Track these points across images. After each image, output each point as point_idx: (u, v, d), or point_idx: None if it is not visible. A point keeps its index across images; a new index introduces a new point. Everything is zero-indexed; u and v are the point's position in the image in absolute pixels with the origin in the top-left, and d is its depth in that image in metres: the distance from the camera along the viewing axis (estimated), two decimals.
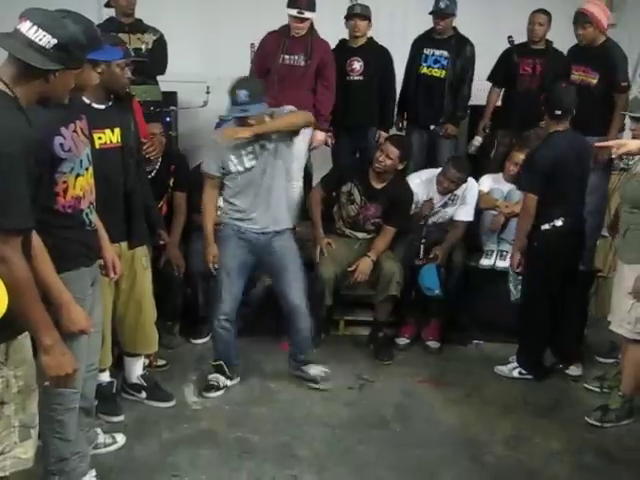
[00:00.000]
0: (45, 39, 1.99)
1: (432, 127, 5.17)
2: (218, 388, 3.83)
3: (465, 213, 4.65)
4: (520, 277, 4.16)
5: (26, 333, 2.15)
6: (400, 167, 4.41)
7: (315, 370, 3.97)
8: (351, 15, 4.98)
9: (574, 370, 4.25)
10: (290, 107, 3.77)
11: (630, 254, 3.53)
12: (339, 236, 4.53)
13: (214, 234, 3.81)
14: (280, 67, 4.68)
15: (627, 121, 3.97)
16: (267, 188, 3.67)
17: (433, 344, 4.55)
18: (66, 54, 2.03)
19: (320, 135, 4.87)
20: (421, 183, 4.64)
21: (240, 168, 3.66)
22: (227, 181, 3.73)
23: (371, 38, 5.10)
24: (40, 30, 1.99)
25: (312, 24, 4.69)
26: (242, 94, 3.46)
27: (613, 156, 3.04)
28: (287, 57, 4.66)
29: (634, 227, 3.51)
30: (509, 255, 4.33)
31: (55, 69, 2.02)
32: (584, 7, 4.62)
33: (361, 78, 5.06)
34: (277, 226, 3.76)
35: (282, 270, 3.80)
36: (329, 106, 4.84)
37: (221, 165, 3.69)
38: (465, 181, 4.60)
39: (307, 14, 4.59)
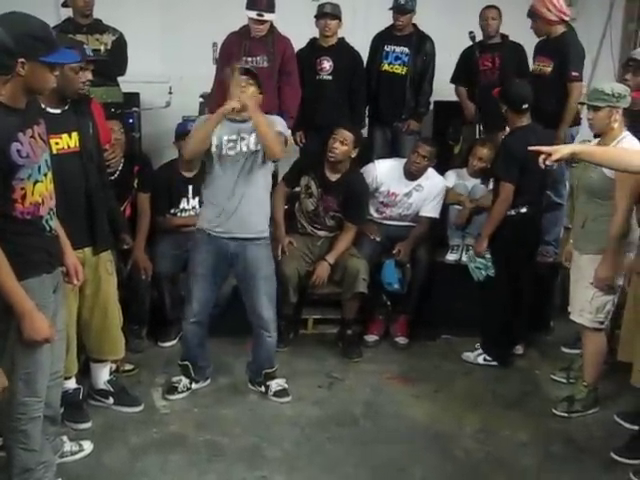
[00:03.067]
0: None
1: (395, 124, 5.19)
2: (181, 391, 3.80)
3: (431, 209, 4.66)
4: (481, 259, 4.23)
5: None
6: (354, 154, 4.38)
7: (276, 385, 3.85)
8: (321, 14, 4.97)
9: (518, 350, 4.39)
10: (280, 122, 3.72)
11: (589, 245, 3.58)
12: (301, 235, 4.52)
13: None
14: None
15: (584, 112, 4.02)
16: (240, 194, 3.57)
17: (402, 340, 4.57)
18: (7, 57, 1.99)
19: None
20: (389, 168, 4.66)
21: (214, 149, 3.55)
22: (207, 171, 3.66)
23: (342, 38, 5.09)
24: None
25: (272, 23, 4.67)
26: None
27: (547, 163, 3.01)
28: (249, 59, 4.63)
29: (593, 218, 3.56)
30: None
31: None
32: (532, 3, 4.80)
33: (330, 77, 5.05)
34: (246, 233, 3.63)
35: (251, 280, 3.69)
36: (295, 103, 4.83)
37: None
38: (435, 159, 4.62)
39: (267, 16, 4.58)
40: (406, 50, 5.08)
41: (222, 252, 3.65)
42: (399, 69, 5.12)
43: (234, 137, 3.57)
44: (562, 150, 2.98)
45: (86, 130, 3.20)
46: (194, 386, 3.85)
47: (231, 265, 3.72)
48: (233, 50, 4.69)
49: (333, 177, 4.42)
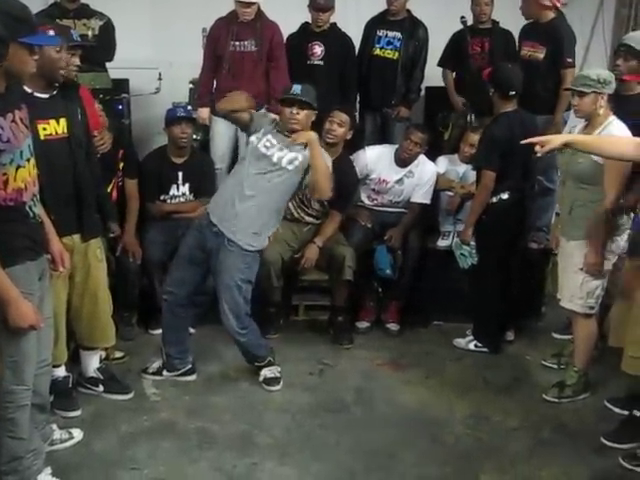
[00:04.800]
0: None
1: (384, 110, 5.16)
2: (152, 372, 3.86)
3: (422, 195, 4.65)
4: (466, 247, 4.23)
5: None
6: (349, 136, 4.38)
7: (268, 372, 3.84)
8: (314, 5, 4.90)
9: (509, 336, 4.41)
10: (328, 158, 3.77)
11: (577, 231, 3.57)
12: (288, 220, 4.48)
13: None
14: (231, 55, 4.60)
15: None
16: (250, 196, 3.55)
17: (393, 327, 4.57)
18: None
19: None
20: (380, 154, 4.65)
21: (253, 138, 3.62)
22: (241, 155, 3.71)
23: (334, 24, 5.05)
24: None
25: (259, 7, 4.64)
26: (297, 88, 3.59)
27: (538, 155, 3.02)
28: (237, 44, 4.59)
29: (580, 203, 3.55)
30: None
31: None
32: None
33: (322, 63, 5.01)
34: (232, 236, 3.57)
35: (218, 285, 3.66)
36: (282, 88, 4.76)
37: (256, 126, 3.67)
38: (427, 146, 4.61)
39: None
40: (398, 35, 5.05)
41: (203, 242, 3.63)
42: (391, 54, 5.09)
43: (275, 142, 3.59)
44: (554, 141, 2.98)
45: (74, 116, 3.16)
46: (162, 376, 3.84)
47: (209, 257, 3.66)
48: (221, 34, 4.65)
49: None
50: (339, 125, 4.29)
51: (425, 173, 4.65)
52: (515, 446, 3.34)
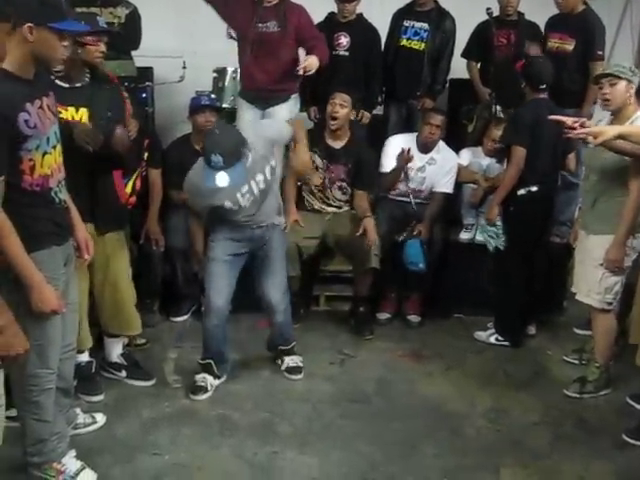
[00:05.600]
0: None
1: (410, 101, 5.14)
2: (206, 390, 3.61)
3: (444, 184, 4.64)
4: (492, 228, 4.23)
5: None
6: (352, 116, 4.40)
7: (290, 361, 3.87)
8: None
9: (530, 330, 4.39)
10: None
11: (599, 225, 3.54)
12: (309, 212, 4.50)
13: None
14: (254, 36, 4.56)
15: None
16: (263, 204, 3.54)
17: (414, 318, 4.57)
18: None
19: (311, 60, 4.39)
20: (402, 142, 4.64)
21: (235, 207, 3.43)
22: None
23: (360, 14, 5.02)
24: None
25: None
26: (216, 160, 3.05)
27: (590, 146, 3.00)
28: (260, 25, 4.55)
29: (604, 198, 3.52)
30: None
31: None
32: None
33: (347, 54, 4.98)
34: (271, 220, 3.62)
35: (267, 263, 3.65)
36: (326, 56, 4.57)
37: (214, 206, 3.41)
38: (445, 128, 4.61)
39: None
40: (425, 26, 5.02)
41: (245, 239, 3.57)
42: (417, 45, 5.06)
43: (246, 188, 3.40)
44: (608, 132, 2.94)
45: (99, 110, 3.15)
46: (216, 382, 3.69)
47: (253, 251, 3.65)
48: (246, 16, 4.57)
49: (337, 145, 4.44)
50: (341, 106, 4.31)
51: (447, 160, 4.65)
52: (536, 440, 3.33)
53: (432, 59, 5.07)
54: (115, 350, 3.70)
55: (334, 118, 4.34)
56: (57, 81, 3.03)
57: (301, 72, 4.25)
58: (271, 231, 3.64)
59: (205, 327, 3.65)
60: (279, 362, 3.89)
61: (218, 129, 3.30)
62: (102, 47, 3.23)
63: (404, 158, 4.56)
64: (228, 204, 3.39)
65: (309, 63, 4.22)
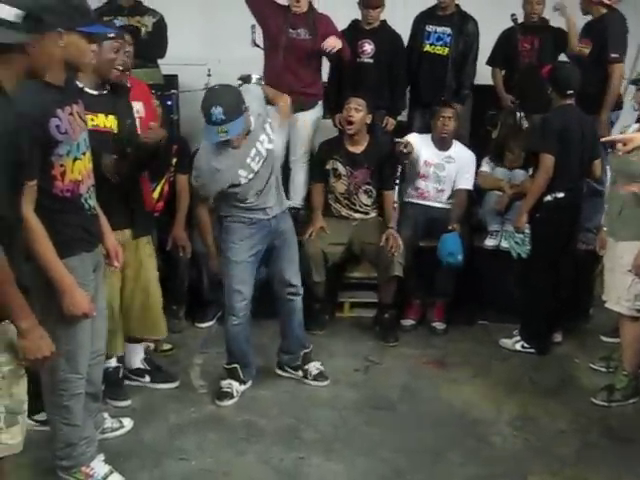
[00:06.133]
0: (11, 13, 1.92)
1: (434, 107, 5.13)
2: (232, 396, 3.61)
3: (465, 181, 4.64)
4: (520, 235, 4.26)
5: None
6: (368, 120, 4.41)
7: (314, 369, 3.84)
8: (364, 2, 4.88)
9: (556, 337, 4.36)
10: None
11: (627, 231, 3.51)
12: (335, 218, 4.51)
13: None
14: (286, 41, 4.59)
15: (628, 94, 3.96)
16: (272, 176, 3.57)
17: (439, 325, 4.55)
18: (36, 22, 1.96)
19: (333, 39, 4.54)
20: (420, 139, 4.66)
21: (250, 175, 3.45)
22: (230, 189, 3.47)
23: (384, 21, 5.03)
24: (4, 5, 1.92)
25: (311, 2, 4.69)
26: (217, 112, 3.09)
27: (620, 153, 2.99)
28: (292, 31, 4.60)
29: (632, 204, 3.49)
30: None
31: (28, 39, 1.95)
32: None
33: (371, 61, 4.99)
34: (283, 207, 3.68)
35: (283, 249, 3.66)
36: (349, 53, 4.75)
37: (230, 183, 3.40)
38: (458, 119, 4.63)
39: None
40: (448, 30, 5.01)
41: (263, 233, 3.56)
42: (440, 50, 5.05)
43: (253, 151, 3.42)
44: (638, 139, 2.92)
45: (124, 116, 3.20)
46: (242, 388, 3.69)
47: (271, 243, 3.64)
48: (276, 19, 4.62)
49: (357, 149, 4.46)
50: (356, 110, 4.33)
51: (464, 158, 4.66)
52: (563, 449, 3.30)
53: (456, 64, 5.06)
54: (138, 355, 3.73)
55: (350, 122, 4.36)
56: (85, 88, 3.08)
57: (327, 49, 4.39)
58: (284, 219, 3.66)
59: (227, 329, 3.66)
60: (301, 373, 3.85)
61: (218, 86, 3.35)
62: (125, 57, 3.27)
63: (400, 149, 4.52)
64: (243, 174, 3.39)
65: (331, 42, 4.36)
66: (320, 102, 4.78)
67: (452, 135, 4.64)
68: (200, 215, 3.55)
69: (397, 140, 4.60)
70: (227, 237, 3.54)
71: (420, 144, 4.63)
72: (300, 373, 3.86)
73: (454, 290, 4.57)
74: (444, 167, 4.64)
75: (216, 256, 3.62)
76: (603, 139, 3.14)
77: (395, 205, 4.54)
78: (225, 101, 3.14)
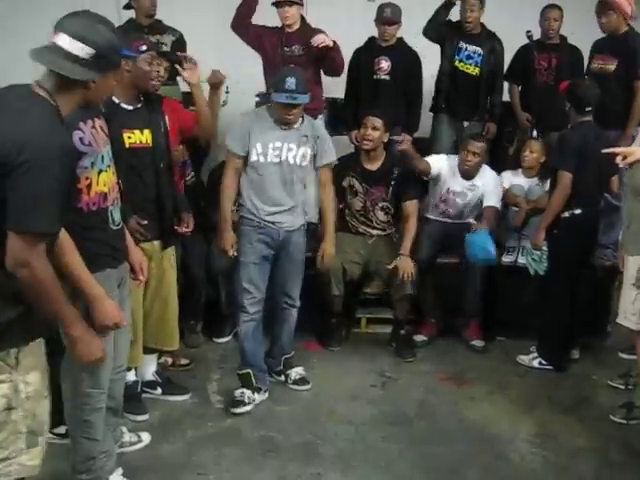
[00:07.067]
0: (83, 50, 2.03)
1: (466, 124, 5.16)
2: (244, 403, 3.64)
3: (494, 198, 4.58)
4: (537, 252, 4.27)
5: (39, 340, 2.16)
6: (385, 139, 4.42)
7: (295, 374, 3.96)
8: (381, 19, 4.91)
9: (574, 354, 4.35)
10: None
11: (634, 245, 3.50)
12: (352, 234, 4.52)
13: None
14: (281, 60, 4.63)
15: None
16: (292, 184, 3.67)
17: (478, 343, 4.54)
18: (105, 61, 2.08)
19: (322, 35, 4.54)
20: (447, 164, 4.63)
21: (262, 159, 3.61)
22: (250, 169, 3.65)
23: (401, 38, 5.06)
24: (76, 42, 2.02)
25: (303, 18, 4.74)
26: (291, 82, 3.49)
27: (620, 166, 3.01)
28: (286, 49, 4.67)
29: (638, 218, 3.47)
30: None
31: (95, 78, 2.07)
32: None
33: (388, 78, 5.02)
34: (299, 222, 3.77)
35: (287, 263, 3.77)
36: (342, 61, 4.74)
37: (246, 144, 3.62)
38: (485, 156, 4.60)
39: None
40: (479, 50, 5.02)
41: (271, 241, 3.70)
42: (471, 69, 5.06)
43: (278, 144, 3.62)
44: (637, 153, 2.93)
45: (158, 128, 3.26)
46: (257, 397, 3.72)
47: (277, 253, 3.77)
48: (270, 40, 4.71)
49: (374, 166, 4.47)
50: (373, 129, 4.34)
51: (488, 184, 4.60)
52: (581, 466, 3.28)
53: (487, 83, 5.08)
54: (151, 367, 3.75)
55: (367, 141, 4.38)
56: (122, 104, 3.14)
57: (315, 43, 4.44)
58: (296, 234, 3.76)
59: (239, 328, 3.78)
60: (282, 377, 3.96)
61: (295, 67, 3.87)
62: (161, 70, 3.34)
63: (400, 149, 4.60)
64: (259, 149, 3.59)
65: (320, 37, 4.43)
66: (321, 116, 4.77)
67: (476, 168, 4.59)
68: (225, 178, 3.73)
69: (392, 138, 4.61)
70: (240, 240, 3.71)
71: (447, 171, 4.61)
72: (282, 378, 3.95)
73: (482, 306, 4.55)
74: (467, 195, 4.62)
75: (225, 233, 3.71)
76: (604, 150, 3.12)
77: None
78: (298, 77, 3.54)
